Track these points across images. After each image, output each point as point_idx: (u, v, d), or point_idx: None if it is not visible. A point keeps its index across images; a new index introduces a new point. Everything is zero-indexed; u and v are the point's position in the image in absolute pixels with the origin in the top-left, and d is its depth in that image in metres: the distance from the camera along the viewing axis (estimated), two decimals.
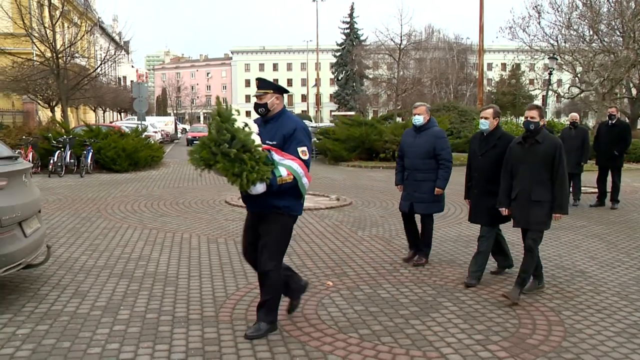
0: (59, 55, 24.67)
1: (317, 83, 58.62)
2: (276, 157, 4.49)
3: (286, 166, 4.44)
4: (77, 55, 28.08)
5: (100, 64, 30.03)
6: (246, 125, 4.41)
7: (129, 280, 6.22)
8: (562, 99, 45.11)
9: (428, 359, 4.28)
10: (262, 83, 4.76)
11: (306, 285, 5.35)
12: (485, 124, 6.31)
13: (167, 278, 6.33)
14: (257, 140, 4.39)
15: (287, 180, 4.43)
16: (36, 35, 24.89)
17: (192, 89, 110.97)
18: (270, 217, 4.65)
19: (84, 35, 29.12)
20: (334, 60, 76.50)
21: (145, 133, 23.34)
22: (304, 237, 8.44)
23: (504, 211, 5.93)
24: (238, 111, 4.48)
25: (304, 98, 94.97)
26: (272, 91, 4.73)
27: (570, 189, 12.08)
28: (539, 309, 5.42)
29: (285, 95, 5.03)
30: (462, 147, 24.88)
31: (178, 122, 57.35)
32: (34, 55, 27.79)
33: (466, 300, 5.67)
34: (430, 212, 7.02)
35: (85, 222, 9.62)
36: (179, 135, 51.26)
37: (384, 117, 37.61)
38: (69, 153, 18.07)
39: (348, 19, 72.59)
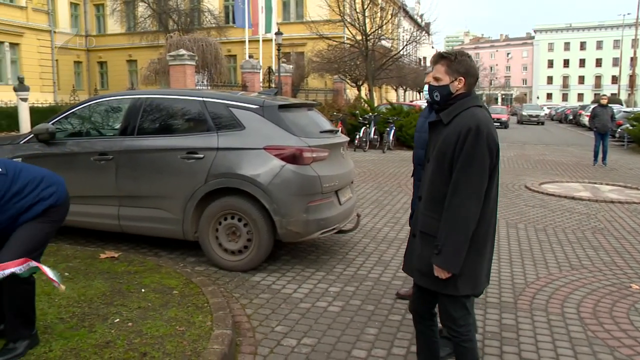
0: (368, 38, 26.34)
1: (633, 62, 52.53)
2: None
3: None
4: (383, 37, 29.57)
5: (404, 46, 31.30)
6: None
7: None
8: None
9: None
10: None
11: None
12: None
13: None
14: None
15: None
16: (348, 20, 26.94)
17: (491, 69, 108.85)
18: None
19: (390, 18, 30.53)
20: None
21: None
22: (613, 232, 7.70)
23: None
24: None
25: (615, 80, 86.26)
26: None
27: None
28: None
29: None
30: None
31: None
32: (345, 38, 30.14)
33: None
34: None
35: (387, 196, 10.16)
36: None
37: None
38: (373, 129, 19.28)
39: None
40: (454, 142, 2.90)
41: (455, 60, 3.03)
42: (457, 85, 3.03)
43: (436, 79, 3.06)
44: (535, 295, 5.20)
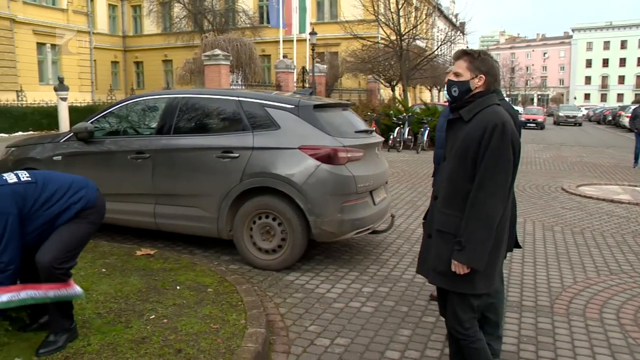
0: (403, 38, 26.21)
1: None
2: None
3: None
4: (418, 37, 29.41)
5: (439, 46, 31.05)
6: None
7: None
8: None
9: None
10: None
11: None
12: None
13: None
14: None
15: None
16: (383, 20, 26.86)
17: (527, 69, 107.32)
18: None
19: (425, 18, 30.35)
20: None
21: None
22: None
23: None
24: None
25: None
26: None
27: None
28: None
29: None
30: None
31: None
32: (379, 38, 30.05)
33: None
34: None
35: (421, 196, 10.09)
36: None
37: None
38: (407, 130, 19.18)
39: None
40: (478, 138, 2.85)
41: (479, 58, 3.01)
42: (477, 83, 2.99)
43: (456, 74, 3.03)
44: (573, 300, 5.10)
